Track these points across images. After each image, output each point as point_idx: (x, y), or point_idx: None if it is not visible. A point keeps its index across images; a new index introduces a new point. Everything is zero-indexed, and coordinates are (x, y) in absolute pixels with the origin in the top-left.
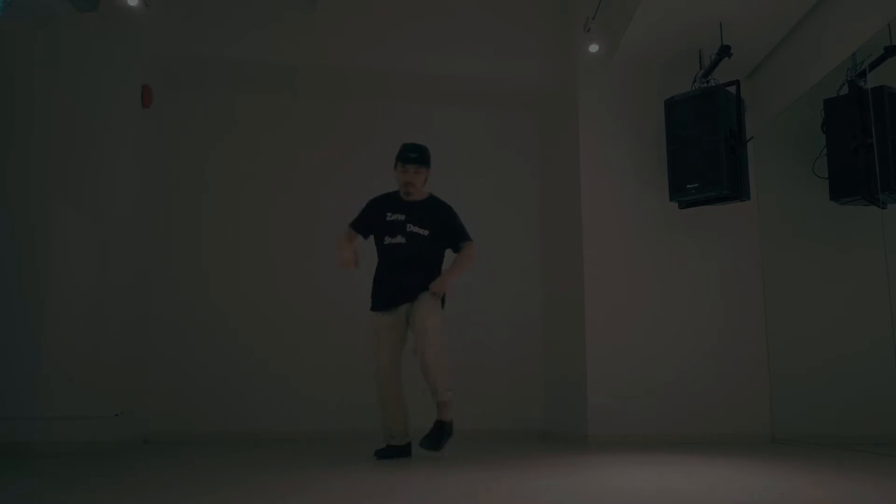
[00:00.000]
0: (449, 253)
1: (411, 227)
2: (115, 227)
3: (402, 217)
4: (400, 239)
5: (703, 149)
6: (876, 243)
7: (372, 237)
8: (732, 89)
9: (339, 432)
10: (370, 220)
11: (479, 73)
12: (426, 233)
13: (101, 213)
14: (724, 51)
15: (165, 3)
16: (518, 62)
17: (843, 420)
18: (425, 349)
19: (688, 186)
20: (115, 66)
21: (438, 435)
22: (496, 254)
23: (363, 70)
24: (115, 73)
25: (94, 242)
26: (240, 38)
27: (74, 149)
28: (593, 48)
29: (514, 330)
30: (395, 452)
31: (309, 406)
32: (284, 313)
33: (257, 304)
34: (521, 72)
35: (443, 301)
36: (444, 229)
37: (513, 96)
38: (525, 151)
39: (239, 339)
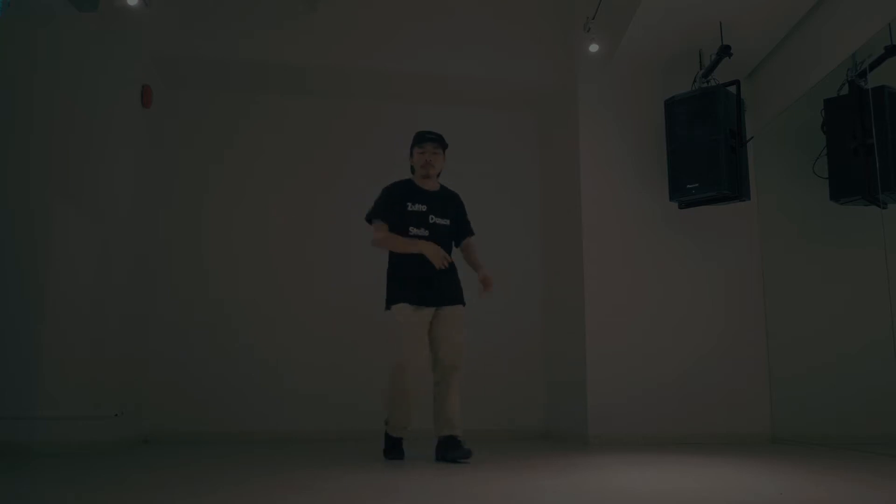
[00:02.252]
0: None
1: (434, 219)
2: (115, 227)
3: (423, 207)
4: (423, 231)
5: (703, 149)
6: (876, 243)
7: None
8: (732, 89)
9: (338, 432)
10: (393, 210)
11: (479, 72)
12: (447, 222)
13: (101, 212)
14: (724, 51)
15: (165, 3)
16: (518, 62)
17: (843, 420)
18: (455, 372)
19: (688, 186)
20: (115, 66)
21: (457, 444)
22: (496, 254)
23: (363, 70)
24: (115, 73)
25: (94, 242)
26: (240, 39)
27: (74, 148)
28: (593, 48)
29: (514, 330)
30: (395, 444)
31: (309, 406)
32: (285, 313)
33: (258, 305)
34: (521, 72)
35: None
36: (458, 219)
37: (513, 96)
38: (525, 151)
39: (239, 339)
